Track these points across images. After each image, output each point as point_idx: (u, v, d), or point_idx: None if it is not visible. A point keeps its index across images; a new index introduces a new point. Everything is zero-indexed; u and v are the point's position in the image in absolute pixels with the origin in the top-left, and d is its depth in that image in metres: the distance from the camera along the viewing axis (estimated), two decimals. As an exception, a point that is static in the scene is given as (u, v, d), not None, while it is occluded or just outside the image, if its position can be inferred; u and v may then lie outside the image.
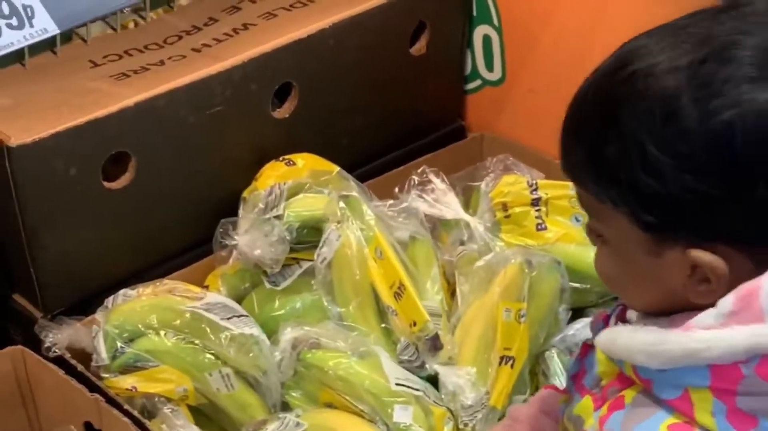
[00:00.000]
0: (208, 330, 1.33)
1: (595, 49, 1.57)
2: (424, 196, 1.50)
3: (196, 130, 1.42)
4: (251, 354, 1.33)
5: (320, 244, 1.40)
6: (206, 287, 1.47)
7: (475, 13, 1.69)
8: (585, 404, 0.90)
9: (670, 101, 0.77)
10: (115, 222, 1.40)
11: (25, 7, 1.23)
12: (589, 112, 0.84)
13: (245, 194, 1.50)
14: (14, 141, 1.28)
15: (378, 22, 1.55)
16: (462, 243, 1.49)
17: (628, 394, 0.85)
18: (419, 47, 1.63)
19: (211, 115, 1.42)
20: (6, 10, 1.22)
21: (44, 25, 1.27)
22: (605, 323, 0.92)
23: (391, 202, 1.48)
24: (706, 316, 0.80)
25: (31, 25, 1.24)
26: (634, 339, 0.81)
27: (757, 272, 0.79)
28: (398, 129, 1.65)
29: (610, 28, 1.53)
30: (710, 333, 0.78)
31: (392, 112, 1.63)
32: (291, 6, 1.53)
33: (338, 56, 1.52)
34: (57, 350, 1.34)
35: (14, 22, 1.24)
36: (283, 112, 1.52)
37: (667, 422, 0.82)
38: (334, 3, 1.53)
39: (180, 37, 1.49)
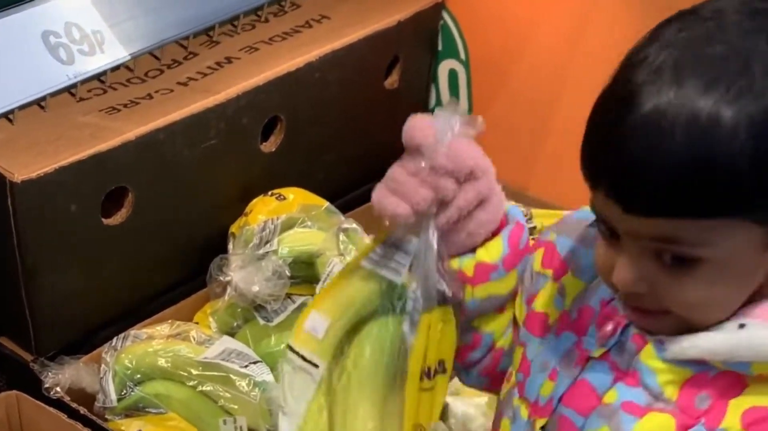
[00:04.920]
0: (228, 377, 1.30)
1: (566, 86, 1.59)
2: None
3: (190, 164, 1.40)
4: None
5: (323, 277, 1.39)
6: (196, 323, 1.44)
7: (441, 48, 1.71)
8: (659, 422, 0.90)
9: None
10: (111, 258, 1.37)
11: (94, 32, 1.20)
12: (677, 146, 0.80)
13: (233, 229, 1.48)
14: (18, 176, 1.24)
15: (357, 56, 1.55)
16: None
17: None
18: (392, 81, 1.65)
19: (204, 149, 1.40)
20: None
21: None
22: (622, 331, 0.90)
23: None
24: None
25: (102, 52, 1.21)
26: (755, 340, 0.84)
27: None
28: (373, 161, 1.64)
29: (583, 65, 1.54)
30: None
31: (368, 144, 1.63)
32: (271, 39, 1.52)
33: (322, 90, 1.52)
34: (59, 390, 1.29)
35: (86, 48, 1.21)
36: (269, 146, 1.50)
37: None
38: (313, 38, 1.53)
39: (161, 71, 1.46)
